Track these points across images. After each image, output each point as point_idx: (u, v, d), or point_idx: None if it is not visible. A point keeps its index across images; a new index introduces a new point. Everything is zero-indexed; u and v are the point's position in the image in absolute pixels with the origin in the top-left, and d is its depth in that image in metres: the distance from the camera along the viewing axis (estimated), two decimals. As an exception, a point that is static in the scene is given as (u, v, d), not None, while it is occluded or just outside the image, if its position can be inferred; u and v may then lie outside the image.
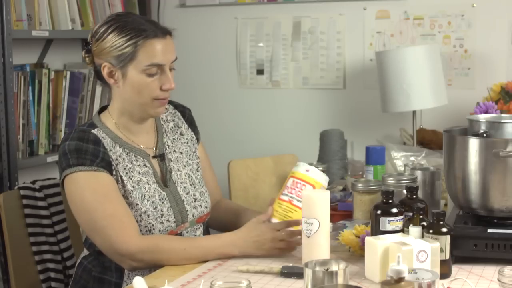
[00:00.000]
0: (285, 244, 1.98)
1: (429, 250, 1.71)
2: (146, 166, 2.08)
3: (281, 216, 2.03)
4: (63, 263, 2.37)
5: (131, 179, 2.03)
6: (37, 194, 2.33)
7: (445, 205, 2.41)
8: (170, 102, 2.24)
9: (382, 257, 1.72)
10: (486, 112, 2.35)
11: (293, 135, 3.74)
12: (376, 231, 1.87)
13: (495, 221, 1.92)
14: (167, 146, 2.17)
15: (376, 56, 3.24)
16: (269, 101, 3.80)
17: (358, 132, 3.58)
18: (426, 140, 3.31)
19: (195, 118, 2.30)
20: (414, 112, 3.24)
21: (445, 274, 1.76)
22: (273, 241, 1.97)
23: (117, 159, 2.03)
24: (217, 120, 3.87)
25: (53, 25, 3.22)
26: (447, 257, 1.77)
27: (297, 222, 1.98)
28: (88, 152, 1.98)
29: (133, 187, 2.03)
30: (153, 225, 2.03)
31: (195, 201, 2.14)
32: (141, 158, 2.08)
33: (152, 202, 2.04)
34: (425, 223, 1.86)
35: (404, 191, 2.01)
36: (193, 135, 2.26)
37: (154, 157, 2.12)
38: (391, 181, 2.26)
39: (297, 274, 1.80)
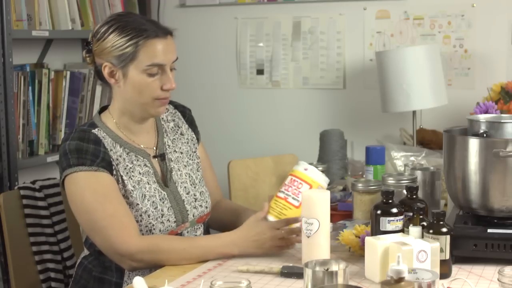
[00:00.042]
0: (285, 241, 1.99)
1: (429, 250, 1.71)
2: (147, 166, 2.08)
3: (276, 213, 2.03)
4: (63, 263, 2.37)
5: (131, 179, 2.03)
6: (37, 194, 2.33)
7: (445, 205, 2.41)
8: (171, 102, 2.24)
9: (382, 257, 1.73)
10: (486, 112, 2.35)
11: (293, 135, 3.75)
12: (376, 231, 1.88)
13: (495, 221, 1.93)
14: (167, 146, 2.17)
15: (376, 56, 3.24)
16: (269, 101, 3.80)
17: (358, 132, 3.58)
18: (426, 140, 3.31)
19: (195, 118, 2.30)
20: (414, 112, 3.25)
21: (445, 274, 1.76)
22: (273, 239, 1.97)
23: (117, 159, 2.03)
24: (217, 120, 3.87)
25: (53, 25, 3.22)
26: (447, 257, 1.77)
27: (296, 220, 1.98)
28: (89, 152, 1.99)
29: (133, 187, 2.03)
30: (153, 225, 2.03)
31: (195, 201, 2.14)
32: (142, 158, 2.08)
33: (153, 202, 2.04)
34: (425, 223, 1.86)
35: (404, 191, 2.01)
36: (194, 135, 2.26)
37: (154, 157, 2.12)
38: (391, 181, 2.26)
39: (297, 274, 1.80)
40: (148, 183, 2.06)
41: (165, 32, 2.04)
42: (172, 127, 2.22)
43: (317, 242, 1.86)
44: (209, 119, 3.81)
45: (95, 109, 3.29)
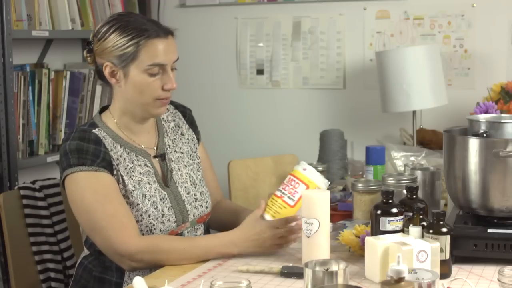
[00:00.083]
0: (284, 240, 1.99)
1: (429, 250, 1.71)
2: (147, 166, 2.08)
3: (272, 212, 2.03)
4: (63, 263, 2.37)
5: (132, 179, 2.03)
6: (37, 194, 2.33)
7: (445, 205, 2.41)
8: (171, 102, 2.24)
9: (382, 257, 1.73)
10: (486, 112, 2.35)
11: (293, 135, 3.75)
12: (376, 231, 1.88)
13: (495, 221, 1.93)
14: (168, 146, 2.17)
15: (376, 56, 3.24)
16: (269, 101, 3.80)
17: (358, 132, 3.58)
18: (426, 140, 3.31)
19: (195, 118, 2.30)
20: (414, 112, 3.25)
21: (445, 274, 1.76)
22: (273, 238, 1.97)
23: (118, 159, 2.03)
24: (217, 120, 3.87)
25: (53, 25, 3.22)
26: (447, 257, 1.77)
27: (294, 219, 1.97)
28: (89, 152, 1.99)
29: (134, 187, 2.03)
30: (154, 225, 2.03)
31: (195, 201, 2.14)
32: (142, 158, 2.08)
33: (153, 202, 2.04)
34: (425, 223, 1.86)
35: (404, 191, 2.01)
36: (194, 135, 2.26)
37: (155, 157, 2.12)
38: (391, 181, 2.26)
39: (297, 274, 1.80)
40: (149, 183, 2.06)
41: (166, 32, 2.04)
42: (173, 127, 2.22)
43: (317, 242, 1.86)
44: (209, 119, 3.81)
45: (95, 109, 3.29)
